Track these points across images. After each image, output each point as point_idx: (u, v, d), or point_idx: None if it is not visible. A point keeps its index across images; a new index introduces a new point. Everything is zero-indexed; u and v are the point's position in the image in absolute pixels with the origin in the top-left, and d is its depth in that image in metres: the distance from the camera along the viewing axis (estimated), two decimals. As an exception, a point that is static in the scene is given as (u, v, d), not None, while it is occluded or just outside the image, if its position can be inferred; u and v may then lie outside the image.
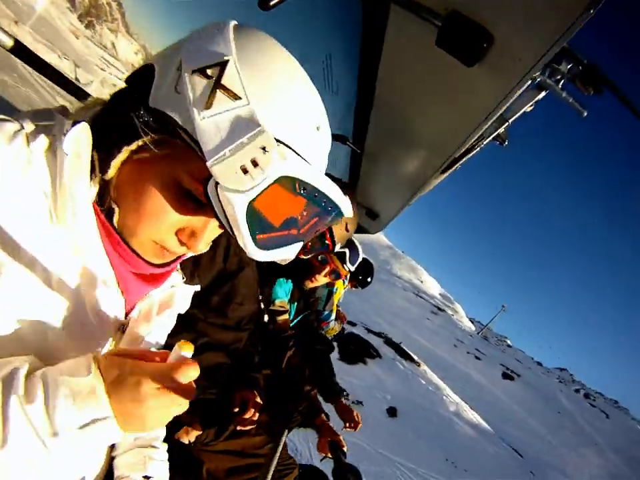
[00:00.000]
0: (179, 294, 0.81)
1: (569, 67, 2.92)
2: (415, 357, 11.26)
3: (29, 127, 0.58)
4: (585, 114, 2.98)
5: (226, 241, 1.46)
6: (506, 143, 3.54)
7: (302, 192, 0.55)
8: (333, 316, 4.02)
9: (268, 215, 0.54)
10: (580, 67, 2.90)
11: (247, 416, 1.51)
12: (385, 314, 20.23)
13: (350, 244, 2.29)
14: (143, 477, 0.94)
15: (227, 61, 0.52)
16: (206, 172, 0.51)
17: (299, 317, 2.45)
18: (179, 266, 0.81)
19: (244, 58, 0.54)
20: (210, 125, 0.50)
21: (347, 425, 2.23)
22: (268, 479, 1.29)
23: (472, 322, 66.83)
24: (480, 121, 1.37)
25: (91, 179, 0.59)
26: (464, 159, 2.32)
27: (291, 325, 2.32)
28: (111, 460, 0.95)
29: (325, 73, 2.12)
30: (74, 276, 0.61)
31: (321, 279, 2.22)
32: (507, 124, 3.33)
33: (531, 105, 3.50)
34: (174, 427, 1.51)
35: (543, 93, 3.30)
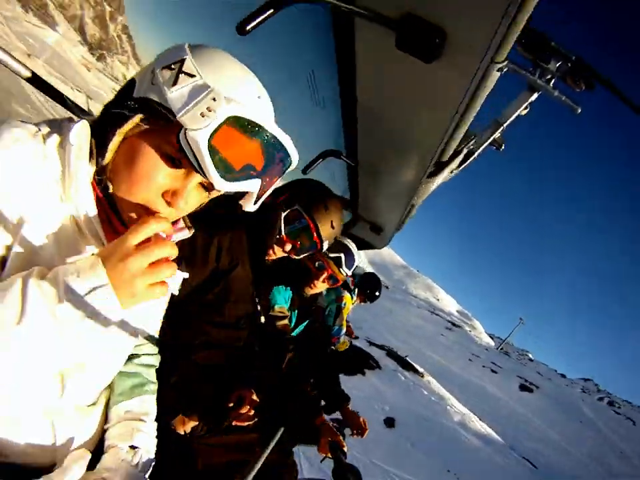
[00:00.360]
0: None
1: (557, 64, 2.91)
2: (419, 368, 11.07)
3: (45, 129, 0.79)
4: (579, 110, 2.96)
5: (217, 242, 1.52)
6: (502, 147, 3.52)
7: (251, 132, 0.73)
8: (343, 331, 4.02)
9: (227, 152, 0.72)
10: (569, 64, 2.88)
11: (243, 411, 1.54)
12: (398, 332, 20.19)
13: (345, 248, 2.37)
14: (130, 446, 1.02)
15: (185, 58, 0.73)
16: (177, 134, 0.71)
17: (302, 325, 2.51)
18: None
19: (198, 56, 0.75)
20: (177, 95, 0.71)
21: (354, 432, 2.26)
22: (251, 474, 1.25)
23: (492, 338, 66.24)
24: (451, 115, 1.43)
25: (90, 162, 0.80)
26: (455, 164, 2.29)
27: (294, 332, 2.41)
28: (103, 432, 1.05)
29: (311, 89, 2.18)
30: (75, 239, 0.81)
31: (320, 285, 2.27)
32: (501, 128, 3.31)
33: (525, 108, 3.49)
34: (172, 416, 1.55)
35: (535, 95, 3.28)
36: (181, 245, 0.80)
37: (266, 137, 0.75)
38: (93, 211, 0.80)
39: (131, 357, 1.17)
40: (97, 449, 1.02)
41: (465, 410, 9.87)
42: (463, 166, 3.07)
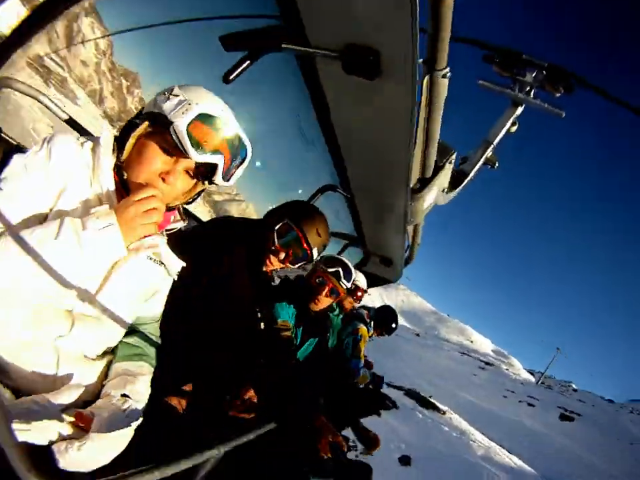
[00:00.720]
0: (163, 247, 1.28)
1: (533, 75, 3.00)
2: (441, 406, 10.58)
3: (83, 139, 1.17)
4: (564, 114, 3.01)
5: (223, 255, 1.83)
6: (496, 165, 3.56)
7: (214, 125, 1.13)
8: (362, 363, 3.97)
9: (198, 135, 1.10)
10: (543, 72, 2.97)
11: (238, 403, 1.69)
12: (427, 375, 19.60)
13: (341, 263, 2.55)
14: (122, 394, 1.16)
15: (174, 87, 1.15)
16: (170, 133, 1.08)
17: (310, 343, 2.64)
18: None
19: (183, 87, 1.15)
20: (168, 105, 1.11)
21: (368, 449, 2.30)
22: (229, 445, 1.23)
23: (532, 374, 63.69)
24: (407, 124, 1.54)
25: (112, 156, 1.17)
26: (443, 181, 2.33)
27: (302, 349, 2.58)
28: (102, 388, 1.21)
29: (300, 130, 2.39)
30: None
31: (324, 300, 2.47)
32: (492, 146, 3.37)
33: (514, 124, 3.54)
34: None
35: (520, 109, 3.36)
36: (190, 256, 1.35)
37: (226, 129, 1.16)
38: (112, 188, 1.15)
39: (135, 333, 1.36)
40: (94, 401, 1.16)
41: (491, 443, 9.30)
42: (459, 187, 3.11)
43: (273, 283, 2.28)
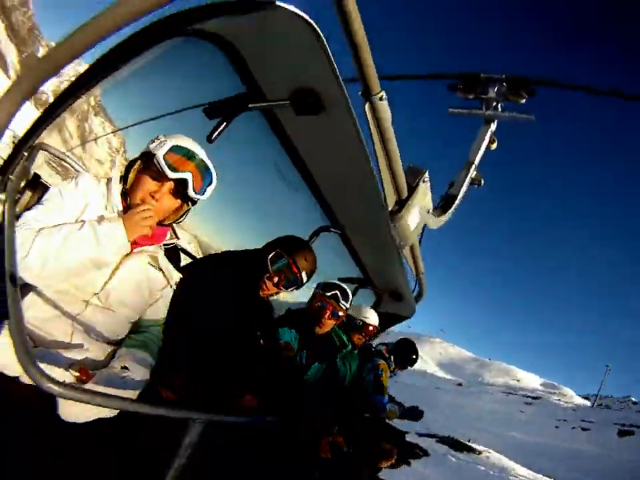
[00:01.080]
0: (161, 256, 1.70)
1: (495, 90, 3.12)
2: (476, 446, 9.95)
3: (101, 179, 1.63)
4: (533, 118, 3.09)
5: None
6: (482, 183, 3.64)
7: (186, 154, 1.55)
8: (386, 399, 3.89)
9: (172, 161, 1.50)
10: (503, 84, 3.10)
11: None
12: (471, 421, 18.79)
13: (337, 286, 2.82)
14: (122, 367, 1.49)
15: (159, 135, 1.59)
16: (153, 160, 1.51)
17: (317, 368, 2.82)
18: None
19: (165, 135, 1.59)
20: (153, 145, 1.55)
21: (385, 462, 2.44)
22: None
23: (587, 398, 60.67)
24: (361, 149, 1.69)
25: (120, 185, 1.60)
26: (423, 201, 2.39)
27: (310, 372, 2.77)
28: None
29: (283, 176, 2.54)
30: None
31: (327, 322, 2.72)
32: (473, 166, 3.46)
33: (492, 141, 3.65)
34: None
35: (493, 125, 3.47)
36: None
37: (192, 156, 1.56)
38: (120, 208, 1.55)
39: (140, 333, 1.70)
40: None
41: (537, 475, 8.69)
42: (449, 210, 3.16)
43: (272, 311, 2.54)
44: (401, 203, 2.19)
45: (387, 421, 3.98)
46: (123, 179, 1.61)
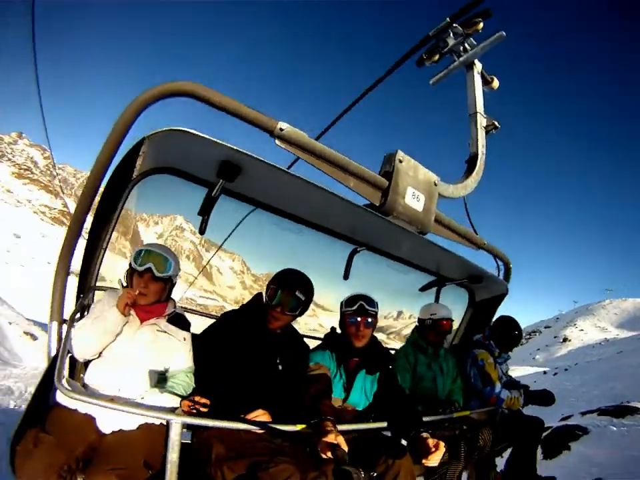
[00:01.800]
0: (163, 324, 2.43)
1: (451, 36, 3.06)
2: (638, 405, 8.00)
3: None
4: (504, 34, 2.87)
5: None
6: (498, 126, 3.46)
7: (147, 253, 2.39)
8: (498, 388, 3.64)
9: (140, 258, 2.37)
10: (454, 25, 2.91)
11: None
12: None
13: (360, 296, 2.87)
14: (141, 397, 2.15)
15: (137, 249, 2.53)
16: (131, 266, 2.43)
17: (363, 379, 2.88)
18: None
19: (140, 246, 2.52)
20: (131, 257, 2.44)
21: (426, 457, 2.22)
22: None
23: None
24: (301, 180, 2.08)
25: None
26: (400, 181, 2.34)
27: (357, 378, 2.85)
28: None
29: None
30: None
31: (364, 332, 2.82)
32: (479, 115, 3.29)
33: (486, 82, 3.42)
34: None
35: (478, 66, 3.23)
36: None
37: (152, 254, 2.38)
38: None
39: (169, 379, 2.32)
40: None
41: None
42: (475, 167, 3.00)
43: (297, 340, 2.82)
44: (384, 193, 2.25)
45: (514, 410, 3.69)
46: (127, 282, 2.43)
